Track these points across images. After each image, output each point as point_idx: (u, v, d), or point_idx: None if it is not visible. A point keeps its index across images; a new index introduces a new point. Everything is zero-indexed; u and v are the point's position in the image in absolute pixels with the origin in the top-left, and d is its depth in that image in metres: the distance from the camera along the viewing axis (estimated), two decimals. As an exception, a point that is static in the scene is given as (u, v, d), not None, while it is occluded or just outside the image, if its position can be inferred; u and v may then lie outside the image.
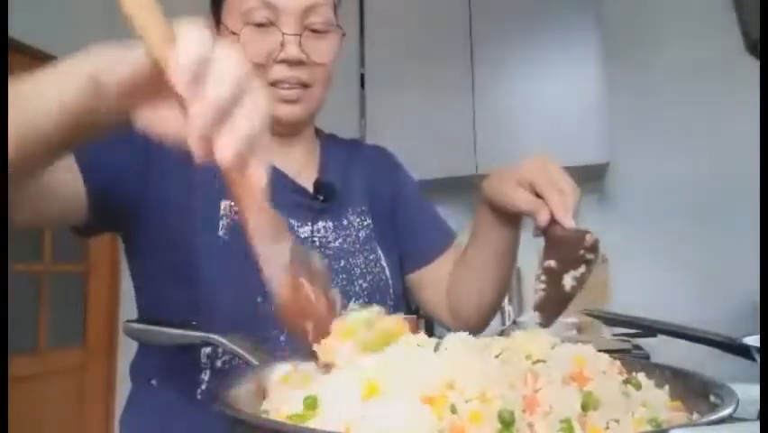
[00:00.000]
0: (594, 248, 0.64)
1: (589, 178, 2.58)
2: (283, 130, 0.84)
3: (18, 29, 2.36)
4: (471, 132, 2.50)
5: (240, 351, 0.62)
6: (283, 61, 0.77)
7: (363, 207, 0.90)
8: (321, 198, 0.84)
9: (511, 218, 0.79)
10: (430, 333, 0.95)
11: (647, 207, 2.58)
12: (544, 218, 0.66)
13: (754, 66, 0.46)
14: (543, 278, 0.65)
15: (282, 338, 0.76)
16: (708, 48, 2.45)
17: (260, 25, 0.77)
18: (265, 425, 0.40)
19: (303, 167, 0.87)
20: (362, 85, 2.68)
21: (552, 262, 0.65)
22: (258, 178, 0.42)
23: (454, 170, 2.51)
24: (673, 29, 2.60)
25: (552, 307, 0.65)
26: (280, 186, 0.83)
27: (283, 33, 0.77)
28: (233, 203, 0.77)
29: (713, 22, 2.29)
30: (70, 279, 2.94)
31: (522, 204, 0.69)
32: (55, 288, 2.78)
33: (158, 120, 0.44)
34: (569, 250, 0.65)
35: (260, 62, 0.78)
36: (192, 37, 0.40)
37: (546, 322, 0.64)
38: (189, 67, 0.39)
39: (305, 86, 0.80)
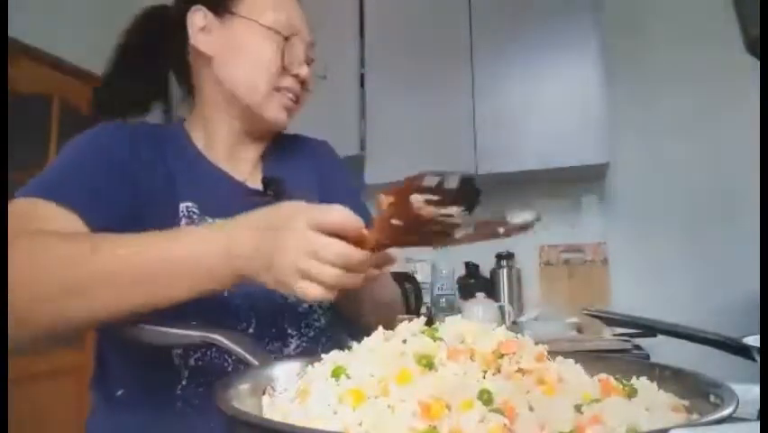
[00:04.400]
0: None
1: (590, 178, 2.57)
2: (266, 134, 0.94)
3: (18, 29, 2.35)
4: (471, 132, 2.50)
5: (240, 350, 0.62)
6: (296, 76, 0.90)
7: (316, 200, 0.91)
8: (271, 193, 0.89)
9: None
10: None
11: (647, 208, 2.58)
12: None
13: (753, 66, 0.46)
14: None
15: (251, 330, 0.79)
16: (708, 48, 2.45)
17: (285, 38, 0.88)
18: (265, 425, 0.40)
19: (251, 169, 0.93)
20: (362, 85, 2.68)
21: None
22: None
23: (454, 170, 2.50)
24: (673, 29, 2.60)
25: None
26: (235, 193, 0.88)
27: (306, 55, 0.91)
28: (189, 204, 0.82)
29: (713, 22, 2.29)
30: (70, 279, 2.93)
31: None
32: (55, 288, 2.78)
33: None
34: None
35: (277, 67, 0.87)
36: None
37: None
38: None
39: (297, 101, 0.93)
